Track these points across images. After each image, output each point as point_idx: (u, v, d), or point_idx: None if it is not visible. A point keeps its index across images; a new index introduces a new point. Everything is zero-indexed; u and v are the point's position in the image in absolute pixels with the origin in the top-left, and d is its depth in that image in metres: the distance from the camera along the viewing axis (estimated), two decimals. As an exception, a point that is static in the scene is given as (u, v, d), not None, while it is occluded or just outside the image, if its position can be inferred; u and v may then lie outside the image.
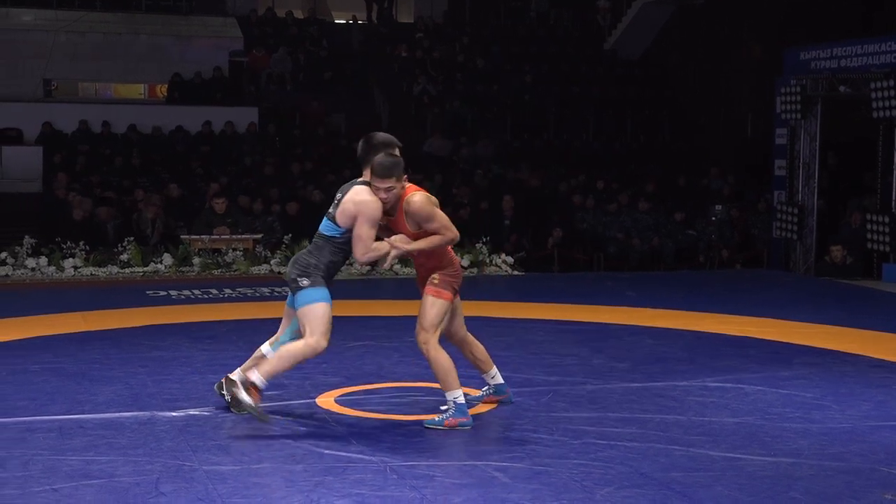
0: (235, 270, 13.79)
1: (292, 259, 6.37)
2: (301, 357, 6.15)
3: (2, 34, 22.26)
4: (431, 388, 7.11)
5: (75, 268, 13.62)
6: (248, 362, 6.52)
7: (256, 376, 6.15)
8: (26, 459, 5.49)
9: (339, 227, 6.18)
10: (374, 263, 6.77)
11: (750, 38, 22.76)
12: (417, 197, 6.20)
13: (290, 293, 6.36)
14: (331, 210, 6.25)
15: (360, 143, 6.38)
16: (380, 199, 6.11)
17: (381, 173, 6.10)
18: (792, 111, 15.35)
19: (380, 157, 6.16)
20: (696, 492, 5.11)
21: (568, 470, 5.42)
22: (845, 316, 10.74)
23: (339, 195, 6.26)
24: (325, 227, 6.28)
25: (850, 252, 14.62)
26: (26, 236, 14.03)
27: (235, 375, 6.30)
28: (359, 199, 6.11)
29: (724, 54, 23.31)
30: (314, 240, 6.34)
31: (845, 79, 15.03)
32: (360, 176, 6.30)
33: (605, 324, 10.11)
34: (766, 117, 17.64)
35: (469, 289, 13.12)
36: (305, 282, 6.14)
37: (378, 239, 6.17)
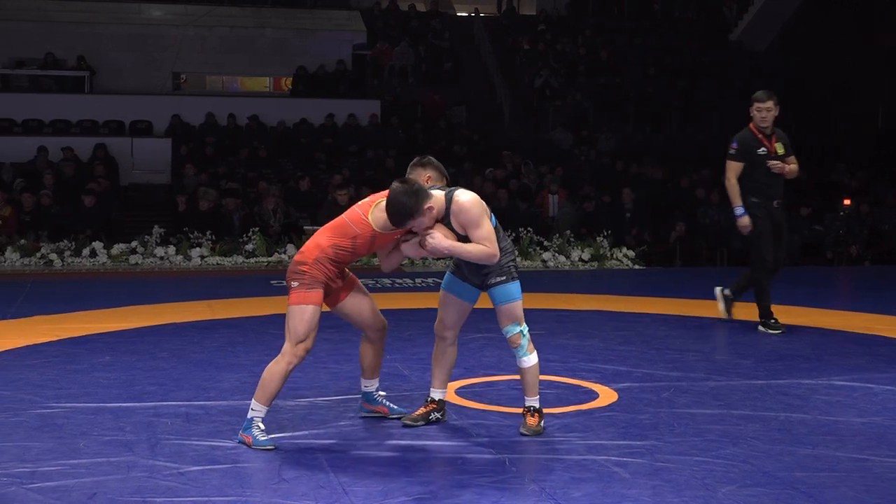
0: (357, 261, 13.90)
1: None
2: None
3: (133, 29, 22.90)
4: (551, 381, 7.10)
5: (202, 257, 13.92)
6: None
7: None
8: (154, 443, 5.63)
9: None
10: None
11: (881, 27, 22.15)
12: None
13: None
14: None
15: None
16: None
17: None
18: (925, 103, 14.90)
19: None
20: (822, 492, 4.99)
21: (689, 467, 5.34)
22: (980, 315, 10.39)
23: None
24: None
25: None
26: (155, 226, 14.40)
27: None
28: None
29: (853, 45, 22.72)
30: None
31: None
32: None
33: (728, 319, 9.94)
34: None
35: (590, 282, 13.15)
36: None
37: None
